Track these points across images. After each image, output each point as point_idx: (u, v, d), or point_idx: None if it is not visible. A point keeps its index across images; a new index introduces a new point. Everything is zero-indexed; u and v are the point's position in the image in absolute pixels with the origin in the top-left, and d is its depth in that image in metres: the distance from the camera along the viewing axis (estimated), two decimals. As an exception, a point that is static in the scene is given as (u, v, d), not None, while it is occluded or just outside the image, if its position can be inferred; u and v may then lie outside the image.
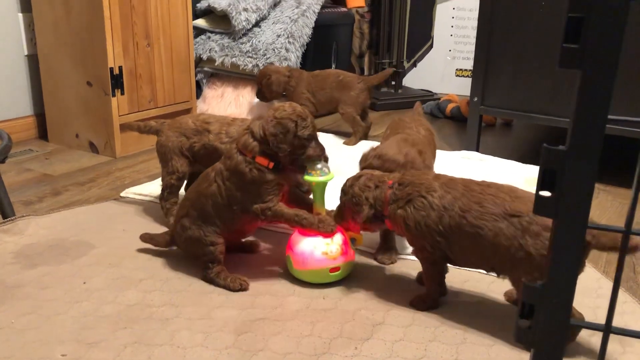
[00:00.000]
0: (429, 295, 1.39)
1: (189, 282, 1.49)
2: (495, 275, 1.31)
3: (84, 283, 1.48)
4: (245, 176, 1.43)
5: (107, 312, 1.35)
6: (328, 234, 1.45)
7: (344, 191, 1.43)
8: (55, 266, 1.56)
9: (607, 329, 0.86)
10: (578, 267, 0.89)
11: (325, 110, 2.86)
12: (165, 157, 1.79)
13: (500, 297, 1.44)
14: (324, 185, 1.49)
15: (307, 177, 1.47)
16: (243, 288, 1.45)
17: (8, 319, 1.32)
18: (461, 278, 1.52)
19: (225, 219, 1.47)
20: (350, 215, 1.42)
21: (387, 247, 1.65)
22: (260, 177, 1.43)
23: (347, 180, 1.44)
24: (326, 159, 1.49)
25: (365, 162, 1.56)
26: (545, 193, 0.89)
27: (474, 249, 1.27)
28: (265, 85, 2.76)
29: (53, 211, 1.92)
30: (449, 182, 1.33)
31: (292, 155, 1.44)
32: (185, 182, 1.89)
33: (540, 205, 0.91)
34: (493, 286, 1.49)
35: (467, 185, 1.31)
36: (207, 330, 1.28)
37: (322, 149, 1.48)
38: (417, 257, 1.39)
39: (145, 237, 1.63)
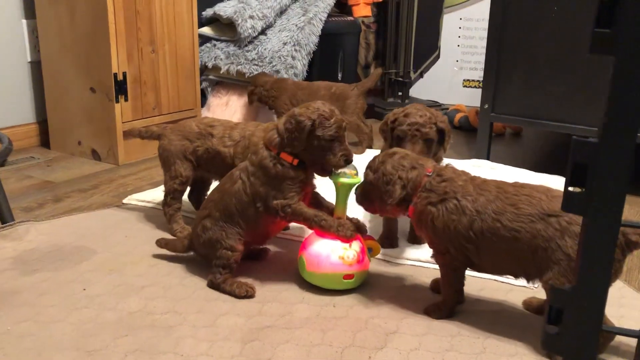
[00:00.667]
0: (445, 303, 1.32)
1: (193, 289, 1.43)
2: (525, 281, 1.24)
3: (84, 289, 1.42)
4: (270, 171, 1.40)
5: (108, 319, 1.29)
6: (346, 239, 1.39)
7: (373, 168, 1.34)
8: (55, 272, 1.50)
9: (642, 335, 0.80)
10: (611, 268, 0.84)
11: None
12: (168, 161, 1.74)
13: (518, 305, 1.38)
14: (348, 187, 1.44)
15: (332, 177, 1.43)
16: (249, 295, 1.39)
17: (4, 325, 1.26)
18: (477, 286, 1.46)
19: (248, 219, 1.43)
20: (377, 196, 1.33)
21: (389, 235, 1.67)
22: (283, 173, 1.40)
23: (376, 157, 1.36)
24: (349, 162, 1.43)
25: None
26: (575, 189, 0.84)
27: (508, 254, 1.20)
28: (249, 93, 2.79)
29: (53, 217, 1.87)
30: (482, 184, 1.27)
31: (313, 155, 1.40)
32: (189, 188, 1.84)
33: (569, 201, 0.85)
34: (511, 295, 1.43)
35: (501, 187, 1.25)
36: (212, 338, 1.22)
37: (348, 153, 1.41)
38: (437, 261, 1.32)
39: (161, 242, 1.58)
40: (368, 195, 1.36)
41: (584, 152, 0.82)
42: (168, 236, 1.67)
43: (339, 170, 1.43)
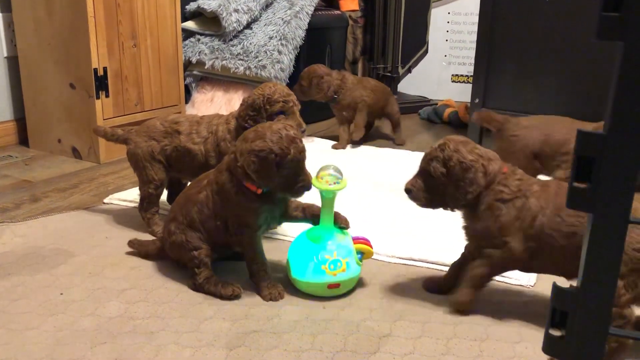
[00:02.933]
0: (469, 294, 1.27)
1: (176, 292, 1.37)
2: (566, 280, 1.21)
3: (61, 294, 1.35)
4: (231, 197, 1.32)
5: (86, 326, 1.22)
6: (268, 300, 1.32)
7: (442, 159, 1.22)
8: (30, 276, 1.42)
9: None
10: (618, 268, 0.79)
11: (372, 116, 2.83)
12: (138, 166, 1.67)
13: (515, 306, 1.33)
14: (334, 194, 1.34)
15: (315, 184, 1.32)
16: (235, 294, 1.33)
17: (-26, 334, 1.18)
18: (472, 285, 1.41)
19: (209, 230, 1.38)
20: (450, 189, 1.22)
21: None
22: (245, 203, 1.31)
23: (440, 144, 1.24)
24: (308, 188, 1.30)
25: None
26: (580, 184, 0.79)
27: (566, 251, 1.16)
28: (316, 85, 2.63)
29: (30, 218, 1.79)
30: (543, 182, 1.26)
31: (284, 183, 1.28)
32: (167, 191, 1.77)
33: (574, 197, 0.79)
34: (508, 294, 1.38)
35: (560, 185, 1.23)
36: (196, 344, 1.16)
37: (307, 181, 1.29)
38: (487, 257, 1.24)
39: (133, 243, 1.53)
40: (435, 190, 1.25)
41: (591, 145, 0.76)
42: (150, 238, 1.60)
43: (322, 176, 1.34)
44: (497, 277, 1.44)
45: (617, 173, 0.75)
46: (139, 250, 1.53)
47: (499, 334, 1.21)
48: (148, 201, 1.67)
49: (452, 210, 1.29)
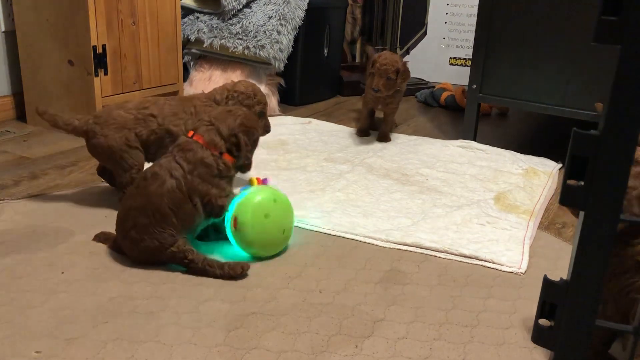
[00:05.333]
0: None
1: (175, 272, 1.39)
2: None
3: (62, 273, 1.37)
4: (212, 169, 1.42)
5: (87, 305, 1.25)
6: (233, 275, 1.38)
7: None
8: (31, 254, 1.45)
9: (637, 332, 0.79)
10: (607, 263, 0.82)
11: None
12: (114, 156, 1.67)
13: (506, 292, 1.37)
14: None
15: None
16: (245, 271, 1.38)
17: (-22, 311, 1.21)
18: (464, 272, 1.45)
19: (185, 216, 1.39)
20: None
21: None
22: (226, 172, 1.44)
23: None
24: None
25: None
26: (573, 182, 0.81)
27: None
28: (402, 76, 2.41)
29: (30, 195, 1.80)
30: None
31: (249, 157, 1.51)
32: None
33: (567, 195, 0.82)
34: (499, 280, 1.42)
35: None
36: (196, 325, 1.19)
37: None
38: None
39: (100, 237, 1.53)
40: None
41: (585, 144, 0.79)
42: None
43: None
44: (488, 264, 1.48)
45: (609, 173, 0.77)
46: (106, 243, 1.51)
47: (489, 320, 1.25)
48: None
49: None
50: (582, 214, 0.80)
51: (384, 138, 2.52)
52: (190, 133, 1.46)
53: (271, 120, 2.71)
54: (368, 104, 2.55)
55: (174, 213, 1.38)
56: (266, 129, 1.88)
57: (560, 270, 1.47)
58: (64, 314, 1.21)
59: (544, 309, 0.86)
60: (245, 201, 1.43)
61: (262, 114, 1.85)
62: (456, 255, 1.52)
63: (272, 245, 1.48)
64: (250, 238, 1.43)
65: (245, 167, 1.52)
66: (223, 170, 1.43)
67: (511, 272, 1.45)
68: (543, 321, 0.85)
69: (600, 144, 0.78)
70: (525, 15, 2.31)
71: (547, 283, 0.85)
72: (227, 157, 1.45)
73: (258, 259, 1.47)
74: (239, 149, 1.45)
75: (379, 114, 2.66)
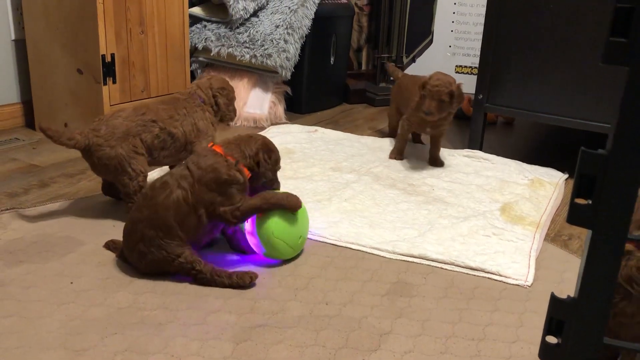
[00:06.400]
0: None
1: (183, 283, 1.40)
2: None
3: (71, 283, 1.38)
4: (222, 174, 1.40)
5: (96, 316, 1.26)
6: (296, 206, 1.49)
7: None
8: (41, 264, 1.46)
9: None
10: (615, 281, 0.82)
11: None
12: (123, 165, 1.68)
13: (513, 304, 1.37)
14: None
15: None
16: (253, 280, 1.40)
17: (-12, 321, 1.22)
18: (470, 284, 1.45)
19: (189, 229, 1.40)
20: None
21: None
22: (236, 178, 1.42)
23: None
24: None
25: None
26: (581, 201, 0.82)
27: None
28: (457, 100, 2.18)
29: (39, 204, 1.82)
30: None
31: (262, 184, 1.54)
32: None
33: (575, 214, 0.83)
34: (505, 293, 1.42)
35: None
36: (204, 337, 1.20)
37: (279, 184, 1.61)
38: None
39: (109, 245, 1.54)
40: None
41: (593, 164, 0.80)
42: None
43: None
44: (494, 276, 1.48)
45: (617, 192, 0.78)
46: (115, 252, 1.52)
47: (495, 334, 1.26)
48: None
49: None
50: (589, 232, 0.81)
51: (436, 162, 2.33)
52: (210, 143, 1.49)
53: (277, 128, 2.74)
54: (412, 127, 2.35)
55: (179, 225, 1.39)
56: (235, 113, 1.99)
57: (567, 283, 1.47)
58: (73, 325, 1.22)
59: (551, 326, 0.86)
60: (275, 193, 1.51)
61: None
62: (462, 267, 1.53)
63: (287, 246, 1.49)
64: (272, 227, 1.46)
65: (269, 182, 1.54)
66: (232, 176, 1.41)
67: (517, 285, 1.46)
68: (550, 338, 0.86)
69: (608, 163, 0.79)
70: (532, 25, 2.32)
71: (554, 300, 0.85)
72: (244, 168, 1.46)
73: (266, 265, 1.48)
74: (259, 166, 1.49)
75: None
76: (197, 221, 1.40)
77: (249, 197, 1.46)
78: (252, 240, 1.52)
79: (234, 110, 1.99)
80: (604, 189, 0.78)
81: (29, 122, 2.66)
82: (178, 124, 1.78)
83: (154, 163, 1.80)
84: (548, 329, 0.86)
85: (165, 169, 1.99)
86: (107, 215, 1.76)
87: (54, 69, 2.48)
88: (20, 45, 2.59)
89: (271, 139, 1.58)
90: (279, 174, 1.60)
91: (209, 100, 1.89)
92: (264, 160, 1.50)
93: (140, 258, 1.40)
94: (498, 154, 2.44)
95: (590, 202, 0.79)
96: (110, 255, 1.51)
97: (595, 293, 0.83)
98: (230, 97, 1.95)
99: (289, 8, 2.94)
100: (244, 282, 1.38)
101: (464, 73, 3.96)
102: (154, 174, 2.02)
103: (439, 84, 2.13)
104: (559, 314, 0.85)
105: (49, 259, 1.49)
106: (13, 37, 2.59)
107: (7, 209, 1.73)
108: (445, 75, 2.18)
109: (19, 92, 2.65)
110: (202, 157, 1.43)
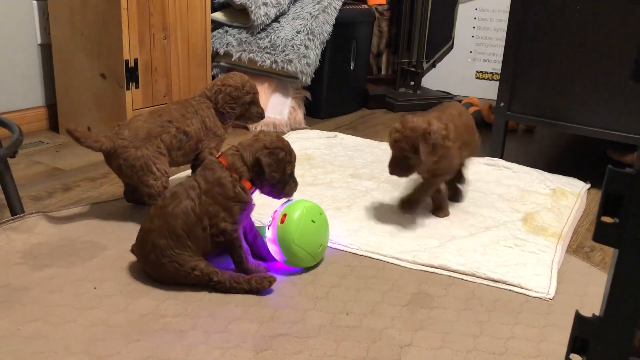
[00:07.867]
0: None
1: (204, 290, 1.41)
2: None
3: (95, 288, 1.40)
4: (228, 190, 1.41)
5: (119, 322, 1.27)
6: (259, 289, 1.41)
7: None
8: (65, 268, 1.48)
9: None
10: (640, 300, 0.82)
11: None
12: (148, 165, 1.71)
13: (534, 317, 1.36)
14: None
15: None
16: (272, 284, 1.41)
17: (15, 325, 1.25)
18: (492, 297, 1.44)
19: (197, 239, 1.41)
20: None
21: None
22: (240, 196, 1.42)
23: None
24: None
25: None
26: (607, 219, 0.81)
27: None
28: (427, 150, 1.67)
29: (63, 208, 1.85)
30: None
31: (282, 181, 1.49)
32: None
33: (601, 232, 0.82)
34: (526, 305, 1.41)
35: None
36: (225, 345, 1.21)
37: (297, 184, 1.54)
38: None
39: (134, 249, 1.55)
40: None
41: (620, 182, 0.79)
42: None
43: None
44: (516, 289, 1.47)
45: (645, 211, 0.77)
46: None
47: (517, 348, 1.25)
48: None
49: None
50: (615, 251, 0.80)
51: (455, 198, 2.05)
52: (218, 154, 1.49)
53: (297, 134, 2.74)
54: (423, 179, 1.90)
55: (188, 235, 1.40)
56: (259, 116, 1.95)
57: (589, 297, 1.46)
58: (97, 330, 1.24)
59: (575, 345, 0.86)
60: (297, 203, 1.52)
61: (253, 102, 1.92)
62: (483, 278, 1.52)
63: (307, 254, 1.50)
64: (293, 235, 1.47)
65: (280, 185, 1.49)
66: (238, 194, 1.41)
67: (539, 298, 1.45)
68: (574, 356, 0.85)
69: (635, 182, 0.78)
70: (556, 32, 2.30)
71: (579, 319, 0.85)
72: (246, 183, 1.44)
73: (287, 273, 1.49)
74: (263, 172, 1.44)
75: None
76: (203, 233, 1.41)
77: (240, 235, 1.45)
78: (272, 248, 1.52)
79: (258, 112, 1.94)
80: (631, 208, 0.77)
81: (53, 125, 2.70)
82: (189, 122, 1.81)
83: (171, 163, 1.83)
84: (572, 348, 0.86)
85: (174, 179, 2.01)
86: (129, 219, 1.79)
87: (79, 74, 2.51)
88: (46, 50, 2.63)
89: (291, 144, 1.54)
90: (300, 179, 1.58)
91: (212, 96, 1.87)
92: (267, 165, 1.44)
93: (154, 268, 1.42)
94: (519, 162, 2.43)
95: (617, 220, 0.79)
96: (133, 260, 1.53)
97: (621, 312, 0.82)
98: (235, 95, 1.87)
99: (310, 14, 2.94)
100: (263, 287, 1.39)
101: (484, 79, 3.94)
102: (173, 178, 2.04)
103: (398, 137, 1.70)
104: (584, 333, 0.84)
105: (73, 264, 1.51)
106: (39, 42, 2.63)
107: (32, 213, 1.75)
108: (417, 119, 1.70)
109: (44, 96, 2.70)
110: (208, 170, 1.44)
